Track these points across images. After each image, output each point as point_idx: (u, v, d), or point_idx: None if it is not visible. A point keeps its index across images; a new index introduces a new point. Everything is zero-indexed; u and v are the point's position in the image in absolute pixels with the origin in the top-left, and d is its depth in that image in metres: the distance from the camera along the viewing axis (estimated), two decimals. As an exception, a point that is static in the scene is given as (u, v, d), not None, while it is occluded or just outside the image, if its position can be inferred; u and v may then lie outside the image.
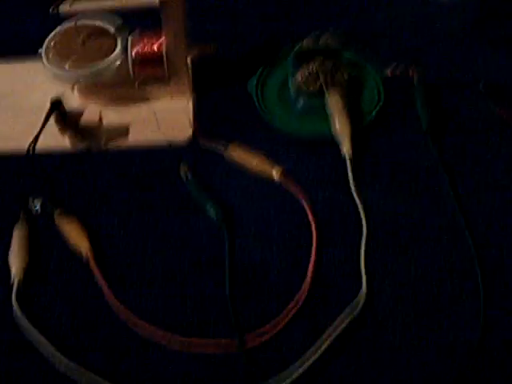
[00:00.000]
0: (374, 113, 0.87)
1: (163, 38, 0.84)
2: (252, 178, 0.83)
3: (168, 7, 0.80)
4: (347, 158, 0.82)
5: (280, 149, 0.86)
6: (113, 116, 0.89)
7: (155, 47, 0.85)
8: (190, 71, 0.90)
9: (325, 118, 0.85)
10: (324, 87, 0.85)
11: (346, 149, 0.82)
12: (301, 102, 0.88)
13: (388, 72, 0.91)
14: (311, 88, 0.87)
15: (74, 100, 0.89)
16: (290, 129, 0.87)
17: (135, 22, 0.87)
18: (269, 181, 0.82)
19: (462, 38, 1.00)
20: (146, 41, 0.86)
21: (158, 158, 0.86)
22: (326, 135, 0.84)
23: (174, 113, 0.89)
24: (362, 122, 0.86)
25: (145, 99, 0.90)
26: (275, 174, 0.81)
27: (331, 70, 0.86)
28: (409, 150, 0.85)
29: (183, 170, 0.83)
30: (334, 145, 0.84)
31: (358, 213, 0.79)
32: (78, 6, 0.82)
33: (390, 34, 1.00)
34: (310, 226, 0.78)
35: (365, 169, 0.83)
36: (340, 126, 0.82)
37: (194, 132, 0.87)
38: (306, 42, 0.89)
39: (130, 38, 0.86)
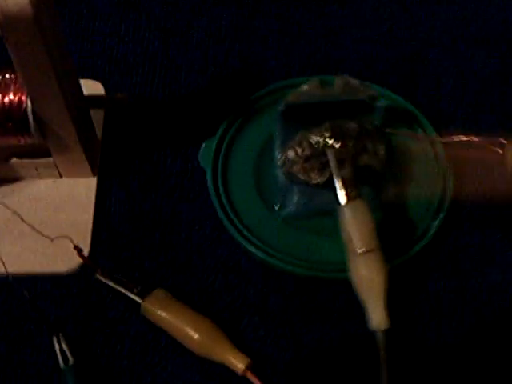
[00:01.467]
0: (430, 232, 0.47)
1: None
2: (191, 358, 0.43)
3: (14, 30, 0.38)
4: (378, 332, 0.42)
5: (251, 296, 0.46)
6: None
7: (15, 99, 0.45)
8: (87, 138, 0.49)
9: (336, 234, 0.44)
10: (342, 189, 0.44)
11: (376, 319, 0.41)
12: (293, 201, 0.47)
13: (458, 137, 0.50)
14: (314, 179, 0.47)
15: None
16: (270, 250, 0.46)
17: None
18: (224, 369, 0.43)
19: None
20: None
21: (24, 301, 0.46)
22: (336, 268, 0.45)
23: (56, 216, 0.49)
24: (407, 248, 0.46)
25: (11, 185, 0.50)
26: (239, 367, 0.42)
27: (352, 150, 0.46)
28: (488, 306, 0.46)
29: (61, 345, 0.43)
30: (352, 291, 0.44)
31: None
32: None
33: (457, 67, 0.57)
34: None
35: (406, 348, 0.44)
36: (366, 274, 0.42)
37: (87, 257, 0.47)
38: (307, 88, 0.48)
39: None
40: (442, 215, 0.47)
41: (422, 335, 0.44)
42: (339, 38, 0.57)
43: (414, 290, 0.45)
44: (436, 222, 0.47)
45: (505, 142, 0.48)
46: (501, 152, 0.48)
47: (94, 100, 0.50)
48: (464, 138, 0.49)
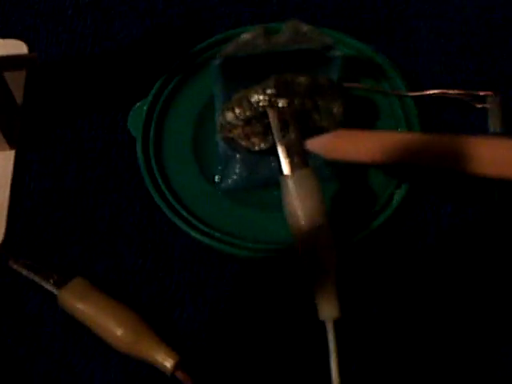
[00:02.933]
0: (394, 202, 0.39)
1: None
2: (114, 356, 0.37)
3: None
4: (328, 322, 0.36)
5: (185, 284, 0.39)
6: None
7: None
8: (2, 105, 0.43)
9: (281, 209, 0.37)
10: (284, 156, 0.37)
11: (326, 309, 0.35)
12: (234, 172, 0.40)
13: (430, 91, 0.43)
14: (256, 145, 0.40)
15: None
16: (209, 230, 0.39)
17: None
18: (152, 368, 0.37)
19: None
20: None
21: None
22: (286, 248, 0.38)
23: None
24: (367, 222, 0.39)
25: None
26: (166, 365, 0.36)
27: (300, 108, 0.39)
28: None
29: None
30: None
31: None
32: None
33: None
34: None
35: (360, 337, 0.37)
36: (313, 257, 0.36)
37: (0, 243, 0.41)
38: (249, 37, 0.40)
39: None
40: (407, 183, 0.40)
41: (380, 321, 0.38)
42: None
43: (374, 270, 0.39)
44: (400, 191, 0.40)
45: (483, 94, 0.41)
46: (479, 106, 0.42)
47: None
48: (436, 91, 0.42)
